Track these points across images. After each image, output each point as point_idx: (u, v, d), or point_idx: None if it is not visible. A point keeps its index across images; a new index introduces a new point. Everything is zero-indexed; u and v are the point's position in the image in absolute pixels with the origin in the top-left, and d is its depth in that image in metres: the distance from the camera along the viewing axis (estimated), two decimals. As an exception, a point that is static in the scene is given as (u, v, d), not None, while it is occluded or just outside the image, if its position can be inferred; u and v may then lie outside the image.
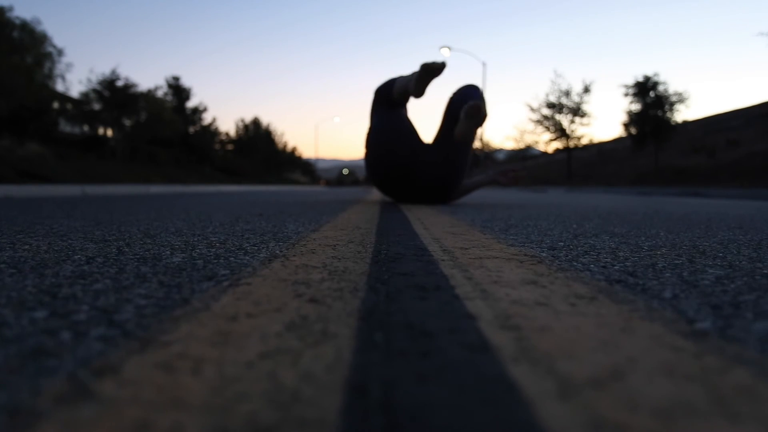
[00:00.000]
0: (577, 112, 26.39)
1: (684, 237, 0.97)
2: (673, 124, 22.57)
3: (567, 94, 26.50)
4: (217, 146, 40.70)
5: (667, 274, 0.57)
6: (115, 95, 25.13)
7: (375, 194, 3.40)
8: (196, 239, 0.86)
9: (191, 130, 35.47)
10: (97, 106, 25.42)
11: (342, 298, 0.43)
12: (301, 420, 0.21)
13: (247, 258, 0.66)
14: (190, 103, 36.50)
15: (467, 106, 2.07)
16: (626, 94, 23.69)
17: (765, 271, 0.59)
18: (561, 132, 27.09)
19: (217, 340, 0.32)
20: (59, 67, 20.77)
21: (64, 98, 24.14)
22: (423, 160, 2.27)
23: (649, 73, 26.83)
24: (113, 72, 25.14)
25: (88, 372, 0.26)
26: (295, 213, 1.61)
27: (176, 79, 35.31)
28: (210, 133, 37.84)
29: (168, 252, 0.71)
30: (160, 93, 28.88)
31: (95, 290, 0.46)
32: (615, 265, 0.62)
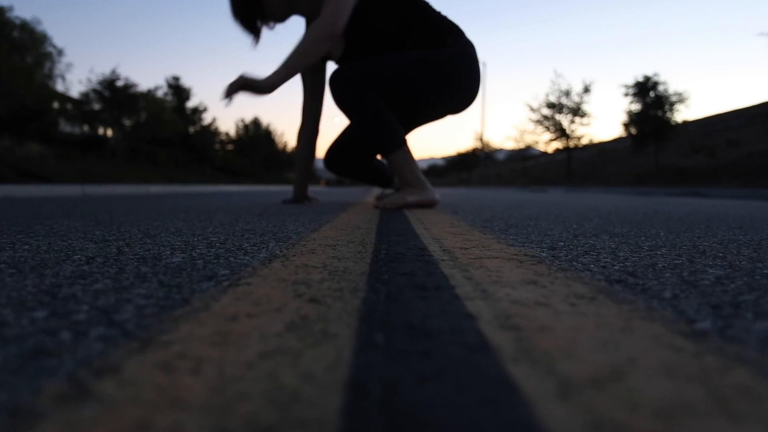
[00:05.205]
0: (577, 112, 26.40)
1: (684, 237, 0.97)
2: (673, 124, 22.56)
3: (567, 94, 26.51)
4: (217, 146, 40.74)
5: (667, 274, 0.57)
6: (115, 95, 25.14)
7: (375, 195, 3.40)
8: (196, 239, 0.86)
9: (191, 130, 35.50)
10: (97, 106, 25.44)
11: (342, 298, 0.43)
12: (301, 420, 0.21)
13: (247, 258, 0.66)
14: (190, 103, 36.57)
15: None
16: (626, 94, 23.69)
17: (765, 271, 0.59)
18: (561, 132, 27.10)
19: (217, 340, 0.32)
20: (59, 67, 20.82)
21: (64, 98, 24.17)
22: None
23: (649, 73, 26.83)
24: (113, 72, 25.17)
25: (88, 372, 0.26)
26: (295, 213, 1.61)
27: (176, 79, 35.36)
28: (210, 133, 37.87)
29: (168, 252, 0.71)
30: (160, 93, 28.94)
31: (95, 290, 0.46)
32: (615, 265, 0.62)
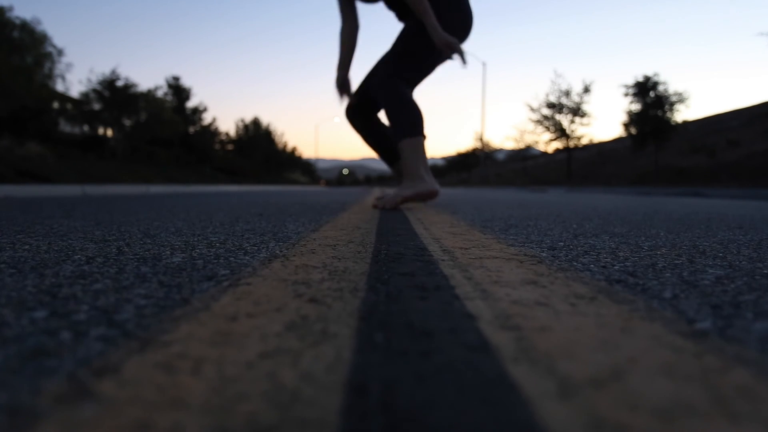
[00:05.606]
0: (577, 112, 26.37)
1: (684, 237, 0.97)
2: (673, 124, 22.52)
3: (567, 94, 26.49)
4: (217, 146, 40.71)
5: (667, 274, 0.57)
6: (115, 95, 25.10)
7: (375, 195, 3.40)
8: (196, 239, 0.86)
9: (191, 130, 35.49)
10: (97, 106, 25.39)
11: (342, 298, 0.43)
12: (301, 420, 0.21)
13: (247, 258, 0.66)
14: (190, 103, 36.53)
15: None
16: (626, 94, 23.65)
17: (765, 271, 0.59)
18: (561, 132, 27.08)
19: (217, 340, 0.32)
20: (59, 67, 20.77)
21: (64, 98, 24.14)
22: None
23: (649, 73, 26.78)
24: (113, 72, 25.11)
25: (88, 372, 0.26)
26: (295, 213, 1.61)
27: (176, 79, 35.34)
28: (210, 133, 37.84)
29: (168, 252, 0.71)
30: (160, 93, 28.87)
31: (95, 290, 0.46)
32: (615, 265, 0.62)
